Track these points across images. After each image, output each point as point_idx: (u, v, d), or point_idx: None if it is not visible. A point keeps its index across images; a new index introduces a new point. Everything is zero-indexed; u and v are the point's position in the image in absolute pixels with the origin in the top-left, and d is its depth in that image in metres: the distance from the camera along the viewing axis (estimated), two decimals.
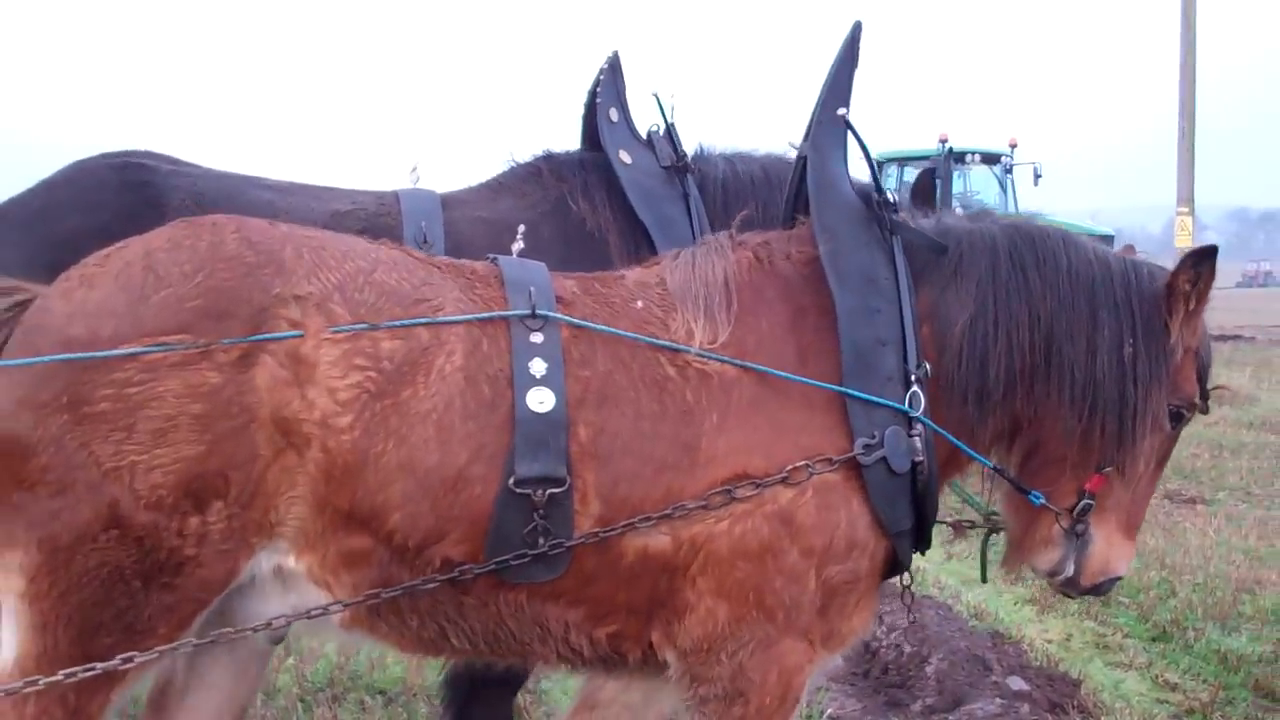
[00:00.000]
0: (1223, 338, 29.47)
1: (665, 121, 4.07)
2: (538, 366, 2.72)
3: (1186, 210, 18.87)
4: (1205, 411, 3.30)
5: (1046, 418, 3.06)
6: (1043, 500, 3.09)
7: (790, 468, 2.77)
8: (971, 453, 3.04)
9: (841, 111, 3.20)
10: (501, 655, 2.96)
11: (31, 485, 2.48)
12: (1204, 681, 5.53)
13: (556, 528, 2.66)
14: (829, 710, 5.31)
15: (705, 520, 2.75)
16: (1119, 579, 3.29)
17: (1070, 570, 3.18)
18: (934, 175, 4.21)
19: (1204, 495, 9.87)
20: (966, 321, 3.01)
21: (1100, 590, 3.30)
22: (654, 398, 2.80)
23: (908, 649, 5.74)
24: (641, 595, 2.81)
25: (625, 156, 3.98)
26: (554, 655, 2.91)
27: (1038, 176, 24.44)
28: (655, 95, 4.08)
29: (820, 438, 2.84)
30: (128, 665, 2.52)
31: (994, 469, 3.11)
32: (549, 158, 4.11)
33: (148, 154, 3.78)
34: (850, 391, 2.87)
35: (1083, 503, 3.09)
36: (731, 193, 3.99)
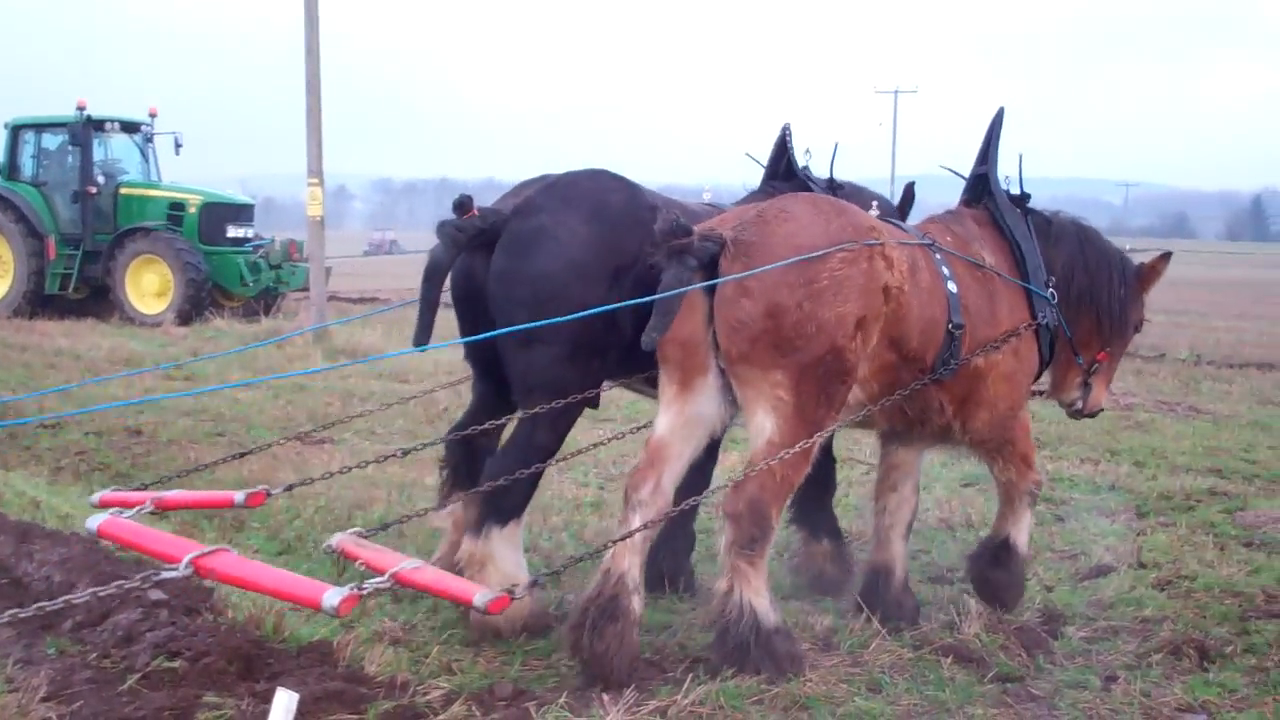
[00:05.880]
0: (362, 299, 30.26)
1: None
2: (946, 271, 5.50)
3: (316, 181, 19.70)
4: (1139, 330, 6.58)
5: (1085, 318, 6.17)
6: (1081, 362, 6.26)
7: (1021, 326, 5.76)
8: (1066, 329, 6.08)
9: (1007, 178, 6.30)
10: (913, 423, 5.71)
11: (785, 334, 4.82)
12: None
13: (957, 351, 5.42)
14: None
15: (996, 350, 5.62)
16: (1102, 410, 6.54)
17: (1080, 405, 6.42)
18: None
19: (333, 437, 10.54)
20: (1060, 267, 6.06)
21: (1093, 414, 6.53)
22: (980, 285, 5.68)
23: (58, 578, 6.04)
24: (967, 388, 5.61)
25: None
26: (931, 427, 5.74)
27: (179, 146, 24.98)
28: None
29: (1025, 312, 5.85)
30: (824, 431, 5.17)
31: (1069, 339, 6.14)
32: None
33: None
34: (1038, 290, 5.87)
35: (1093, 366, 6.31)
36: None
